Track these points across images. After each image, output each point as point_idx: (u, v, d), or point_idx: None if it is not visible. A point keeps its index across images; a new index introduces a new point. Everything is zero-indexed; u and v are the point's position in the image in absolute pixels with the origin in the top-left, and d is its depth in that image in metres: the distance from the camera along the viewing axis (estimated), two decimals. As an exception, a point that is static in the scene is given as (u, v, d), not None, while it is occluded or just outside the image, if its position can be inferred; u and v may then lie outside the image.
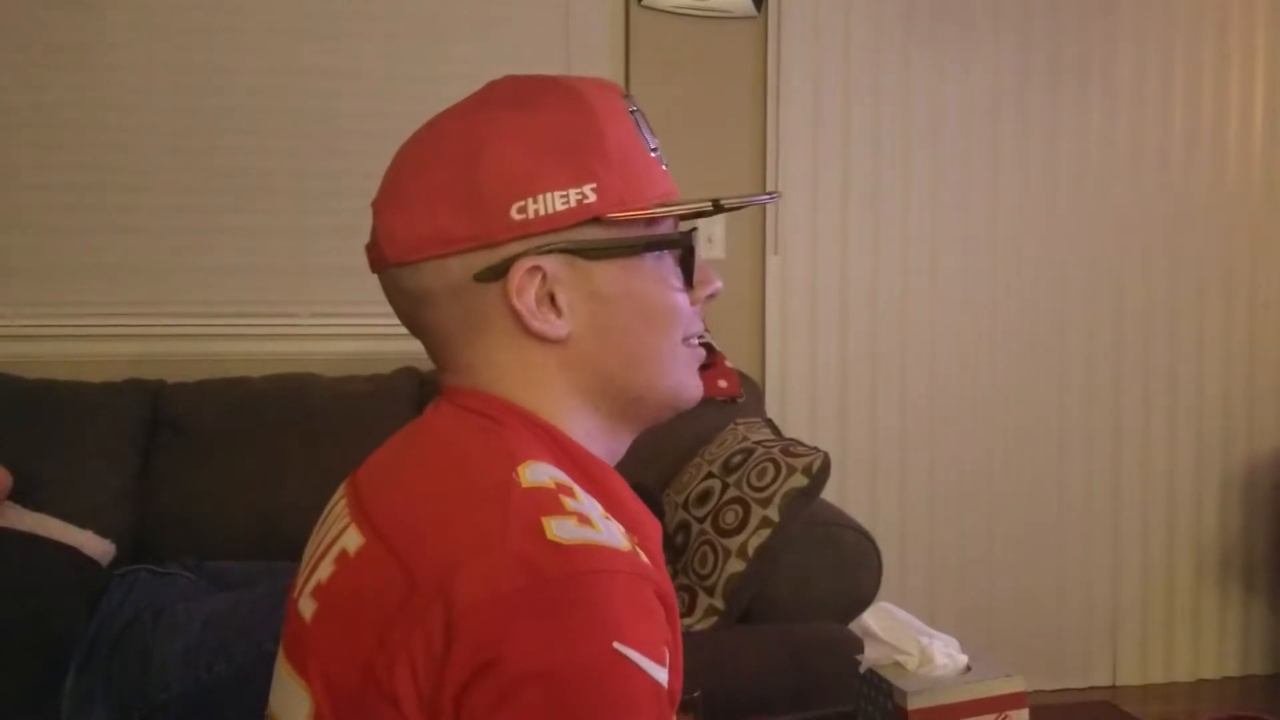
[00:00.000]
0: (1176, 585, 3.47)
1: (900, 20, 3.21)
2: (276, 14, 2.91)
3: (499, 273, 0.83)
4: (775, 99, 3.14)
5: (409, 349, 2.56)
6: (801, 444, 2.42)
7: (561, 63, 3.02)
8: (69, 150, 2.84)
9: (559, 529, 0.73)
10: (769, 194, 0.99)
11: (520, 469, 0.78)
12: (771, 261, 3.17)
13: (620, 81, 3.06)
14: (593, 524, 0.75)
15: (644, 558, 0.77)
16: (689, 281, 0.90)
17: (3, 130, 2.81)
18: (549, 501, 0.76)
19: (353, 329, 2.94)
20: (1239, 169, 3.46)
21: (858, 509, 2.90)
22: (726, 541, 2.26)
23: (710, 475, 2.43)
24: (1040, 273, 3.36)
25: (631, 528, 0.80)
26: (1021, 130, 3.32)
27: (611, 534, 0.75)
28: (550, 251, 0.83)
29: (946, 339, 3.30)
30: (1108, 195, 3.38)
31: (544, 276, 0.83)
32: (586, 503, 0.78)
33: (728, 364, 2.90)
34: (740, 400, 2.84)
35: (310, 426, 2.65)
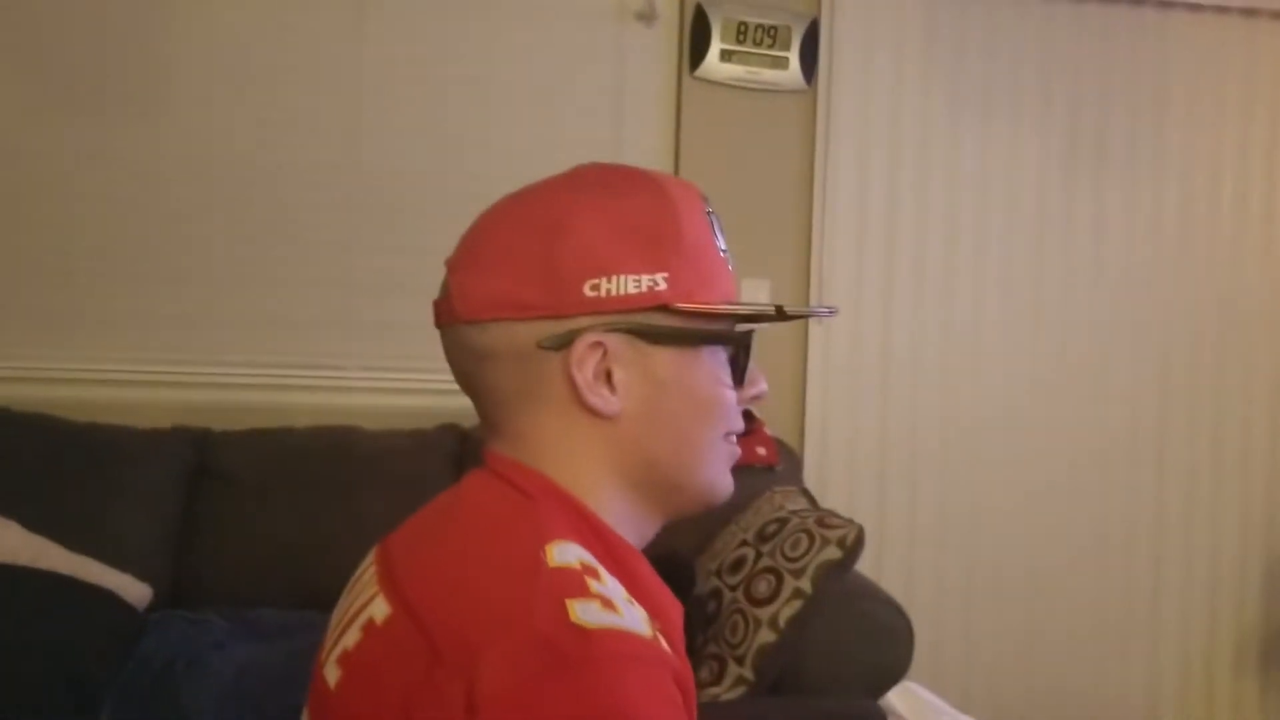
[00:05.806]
0: (1216, 676, 3.40)
1: (949, 97, 3.24)
2: (338, 73, 2.99)
3: (563, 343, 0.85)
4: (823, 172, 3.17)
5: (451, 405, 2.63)
6: (837, 515, 2.41)
7: (614, 132, 3.07)
8: (123, 201, 2.90)
9: (583, 612, 0.74)
10: (828, 308, 1.01)
11: (548, 548, 0.79)
12: (815, 332, 3.18)
13: (670, 151, 3.10)
14: (616, 608, 0.76)
15: (665, 644, 0.78)
16: (738, 379, 0.92)
17: (58, 180, 2.87)
18: (574, 583, 0.76)
19: (397, 384, 2.97)
20: (1288, 255, 3.44)
21: (893, 581, 2.88)
22: (758, 611, 2.25)
23: (744, 543, 2.42)
24: (1084, 353, 3.34)
25: (655, 613, 0.81)
26: (1068, 211, 3.33)
27: (634, 619, 0.76)
28: (615, 330, 0.85)
29: (989, 416, 3.29)
30: (1154, 278, 3.38)
31: (605, 353, 0.85)
32: (610, 585, 0.78)
33: (767, 431, 2.90)
34: (778, 469, 2.84)
35: (352, 478, 2.68)
